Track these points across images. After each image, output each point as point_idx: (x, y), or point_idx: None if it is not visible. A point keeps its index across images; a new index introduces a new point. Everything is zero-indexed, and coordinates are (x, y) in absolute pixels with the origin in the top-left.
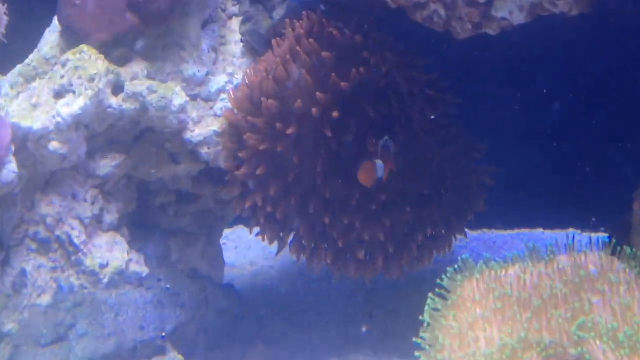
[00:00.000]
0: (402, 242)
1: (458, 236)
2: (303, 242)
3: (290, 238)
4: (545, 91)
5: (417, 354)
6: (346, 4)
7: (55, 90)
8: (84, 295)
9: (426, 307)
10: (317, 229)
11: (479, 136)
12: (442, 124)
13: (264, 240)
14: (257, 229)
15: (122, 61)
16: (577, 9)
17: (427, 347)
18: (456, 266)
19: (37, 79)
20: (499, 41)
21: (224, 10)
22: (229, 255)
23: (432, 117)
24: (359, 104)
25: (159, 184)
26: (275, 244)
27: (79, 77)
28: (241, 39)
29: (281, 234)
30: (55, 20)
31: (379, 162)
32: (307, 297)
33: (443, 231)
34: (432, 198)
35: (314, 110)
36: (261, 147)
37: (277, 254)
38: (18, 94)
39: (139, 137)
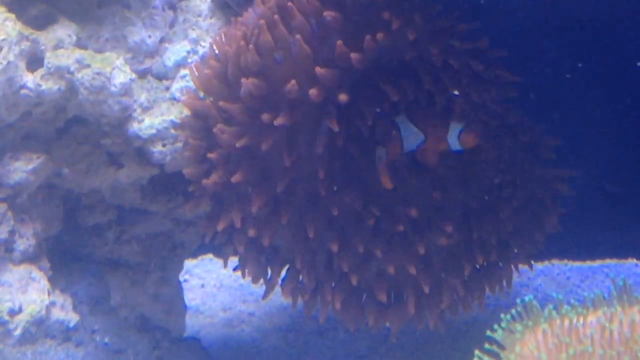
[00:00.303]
0: (442, 277)
1: (520, 267)
2: (301, 278)
3: (283, 274)
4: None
5: None
6: None
7: None
8: None
9: None
10: (320, 260)
11: (548, 129)
12: (496, 111)
13: (244, 276)
14: (235, 261)
15: (42, 22)
16: None
17: None
18: (514, 312)
19: None
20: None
21: None
22: (192, 297)
23: (481, 101)
24: (375, 84)
25: (93, 196)
26: (261, 282)
27: None
28: None
29: (268, 270)
30: None
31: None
32: (302, 357)
33: (499, 261)
34: (484, 214)
35: (312, 92)
36: (239, 144)
37: (264, 298)
38: None
39: (64, 129)
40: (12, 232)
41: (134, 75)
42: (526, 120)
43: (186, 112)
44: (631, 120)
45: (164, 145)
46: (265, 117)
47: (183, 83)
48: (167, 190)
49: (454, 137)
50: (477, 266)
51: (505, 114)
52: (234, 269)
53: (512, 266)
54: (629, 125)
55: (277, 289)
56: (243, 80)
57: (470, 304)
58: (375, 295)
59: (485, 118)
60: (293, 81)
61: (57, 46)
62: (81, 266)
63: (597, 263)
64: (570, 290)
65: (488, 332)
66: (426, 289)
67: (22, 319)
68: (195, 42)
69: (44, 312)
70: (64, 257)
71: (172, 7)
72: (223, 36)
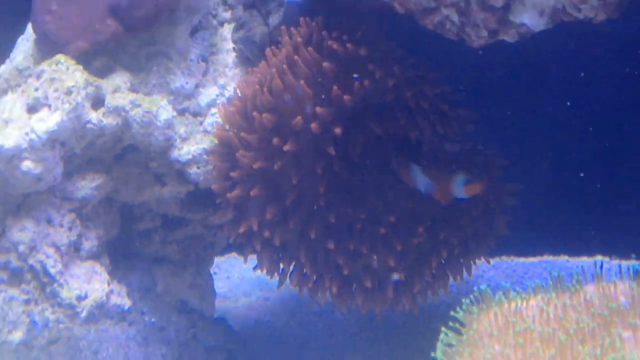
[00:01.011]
0: (415, 268)
1: (478, 261)
2: (305, 271)
3: (292, 268)
4: (569, 104)
5: None
6: (350, 9)
7: (28, 104)
8: (59, 331)
9: (439, 343)
10: (321, 257)
11: (500, 152)
12: (456, 139)
13: (262, 271)
14: (253, 258)
15: (103, 72)
16: (604, 14)
17: None
18: (472, 297)
19: (9, 92)
20: (518, 49)
21: (214, 16)
22: (220, 286)
23: (444, 133)
24: (363, 120)
25: (143, 207)
26: (276, 277)
27: (55, 90)
28: (234, 48)
29: (281, 265)
30: (29, 28)
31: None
32: (307, 332)
33: (460, 257)
34: (448, 220)
35: (313, 125)
36: (255, 166)
37: (278, 288)
38: None
39: (120, 155)
40: (79, 236)
41: (175, 113)
42: (480, 146)
43: (215, 141)
44: (559, 145)
45: (198, 168)
46: (276, 143)
47: (213, 119)
48: (200, 202)
49: (460, 187)
50: (443, 260)
51: (464, 143)
52: (254, 269)
53: (470, 261)
54: (557, 150)
55: (287, 280)
56: (257, 115)
57: (437, 290)
58: (363, 283)
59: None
60: (299, 117)
61: (115, 90)
62: (133, 262)
63: (537, 259)
64: (516, 281)
65: (452, 313)
66: (403, 277)
67: (87, 303)
68: (223, 87)
69: (104, 298)
70: (120, 255)
71: (205, 60)
72: (244, 82)
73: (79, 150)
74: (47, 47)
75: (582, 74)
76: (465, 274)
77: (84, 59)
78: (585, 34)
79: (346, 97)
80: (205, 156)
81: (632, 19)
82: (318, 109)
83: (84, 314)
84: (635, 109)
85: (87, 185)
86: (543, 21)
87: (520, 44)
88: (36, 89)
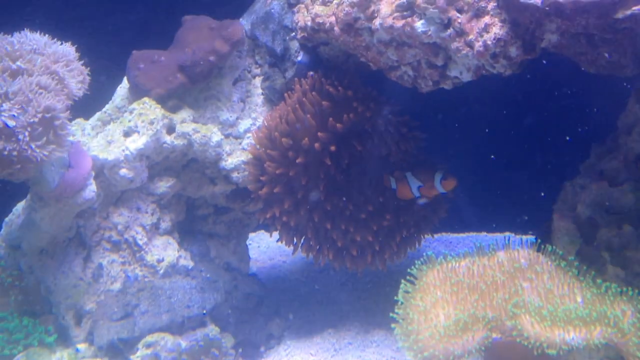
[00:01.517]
0: (385, 242)
1: (425, 236)
2: (311, 243)
3: (302, 241)
4: (487, 128)
5: (392, 325)
6: (340, 65)
7: (124, 130)
8: (145, 283)
9: (400, 290)
10: (321, 233)
11: (441, 159)
12: (412, 152)
13: (281, 242)
14: (276, 234)
15: (174, 109)
16: (510, 70)
17: (401, 321)
18: (422, 260)
19: (111, 122)
20: (453, 92)
21: (249, 72)
22: (253, 253)
23: (404, 148)
24: (349, 141)
25: (201, 200)
26: (291, 247)
27: (142, 121)
28: (262, 93)
29: (294, 239)
30: (125, 79)
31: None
32: (312, 283)
33: (415, 233)
34: (406, 209)
35: (316, 145)
36: (277, 172)
37: (293, 254)
38: (97, 133)
39: (186, 165)
40: (158, 219)
41: (222, 137)
42: (429, 157)
43: (250, 156)
44: (480, 154)
45: (238, 173)
46: (291, 157)
47: (248, 141)
48: (240, 196)
49: (438, 183)
50: (403, 236)
51: (418, 154)
52: (277, 241)
53: (421, 235)
54: (478, 157)
55: (299, 249)
56: (278, 138)
57: (400, 256)
58: (350, 251)
59: (409, 158)
60: (306, 139)
61: (182, 121)
62: (194, 237)
63: (465, 234)
64: (452, 249)
65: (409, 270)
66: (377, 248)
67: (163, 264)
68: (255, 119)
69: (175, 261)
70: (185, 232)
71: (243, 101)
72: (269, 116)
73: (158, 161)
74: (136, 93)
75: (496, 106)
76: (417, 245)
77: (162, 101)
78: (498, 82)
79: (339, 125)
80: (243, 165)
81: (526, 73)
82: (319, 134)
83: (161, 271)
84: (531, 128)
85: (163, 185)
86: (469, 75)
87: (455, 89)
88: (129, 121)
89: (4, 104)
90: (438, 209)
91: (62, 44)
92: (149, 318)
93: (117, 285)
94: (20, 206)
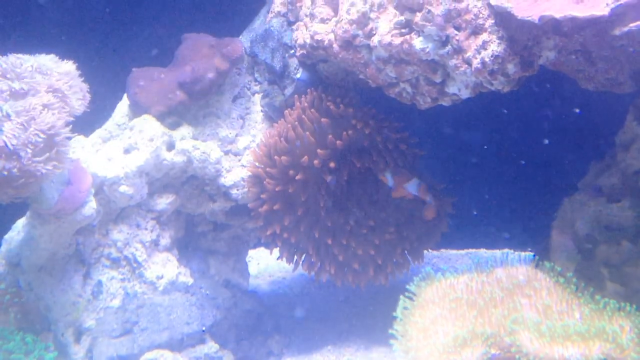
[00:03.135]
0: (387, 256)
1: (428, 251)
2: (312, 259)
3: (302, 258)
4: (486, 145)
5: (391, 342)
6: (339, 83)
7: (124, 147)
8: (144, 300)
9: (398, 307)
10: (322, 249)
11: (439, 176)
12: (411, 169)
13: (282, 259)
14: (276, 251)
15: (174, 126)
16: (508, 87)
17: (400, 337)
18: (421, 276)
19: (111, 139)
20: (451, 109)
21: (249, 89)
22: (252, 269)
23: (403, 165)
24: (348, 158)
25: (201, 216)
26: (292, 264)
27: (142, 138)
28: (261, 110)
29: (295, 256)
30: (125, 97)
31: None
32: (312, 300)
33: (416, 248)
34: (408, 224)
35: (316, 162)
36: (277, 189)
37: (293, 271)
38: (97, 150)
39: (185, 182)
40: (158, 236)
41: (222, 154)
42: (427, 173)
43: (249, 173)
44: (480, 171)
45: (237, 190)
46: (290, 174)
47: (247, 158)
48: (239, 213)
49: (414, 188)
50: (405, 251)
51: (416, 171)
52: (277, 258)
53: (423, 251)
54: (478, 174)
55: (299, 266)
56: (277, 158)
57: (401, 271)
58: (352, 266)
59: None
60: (306, 157)
61: (182, 138)
62: (194, 253)
63: (465, 251)
64: (451, 265)
65: (407, 287)
66: (379, 261)
67: (163, 281)
68: (254, 136)
69: (174, 277)
70: (185, 248)
71: (242, 118)
72: (268, 133)
73: (158, 178)
74: (136, 110)
75: (493, 123)
76: (420, 259)
77: (161, 118)
78: (495, 98)
79: (338, 142)
80: (242, 182)
81: (523, 89)
82: (319, 151)
83: (161, 288)
84: (532, 141)
85: (163, 202)
86: (468, 92)
87: (453, 106)
88: (129, 138)
89: (4, 124)
90: (440, 224)
91: (64, 61)
92: (149, 335)
93: (116, 302)
94: (20, 223)
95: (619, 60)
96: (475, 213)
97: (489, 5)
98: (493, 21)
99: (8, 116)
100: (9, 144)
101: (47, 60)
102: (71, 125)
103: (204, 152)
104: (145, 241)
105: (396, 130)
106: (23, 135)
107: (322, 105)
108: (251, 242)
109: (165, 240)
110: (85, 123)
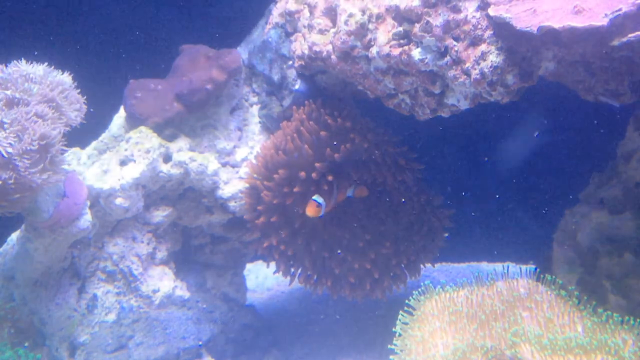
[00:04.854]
0: (384, 270)
1: (426, 265)
2: (309, 272)
3: (299, 271)
4: (487, 157)
5: (391, 357)
6: (338, 94)
7: (120, 159)
8: (140, 314)
9: (398, 321)
10: (319, 262)
11: (438, 189)
12: (409, 183)
13: (279, 273)
14: (273, 264)
15: (171, 138)
16: (508, 97)
17: (399, 352)
18: (420, 290)
19: (107, 151)
20: (450, 120)
21: (246, 100)
22: (250, 283)
23: (401, 179)
24: (346, 171)
25: (198, 229)
26: (288, 277)
27: (139, 150)
28: (259, 121)
29: (292, 269)
30: (121, 108)
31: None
32: (310, 314)
33: (414, 262)
34: (406, 237)
35: (313, 174)
36: (274, 202)
37: (290, 284)
38: (93, 162)
39: (182, 194)
40: (154, 248)
41: (219, 165)
42: (425, 187)
43: (246, 185)
44: (480, 184)
45: (235, 202)
46: (288, 187)
47: (245, 170)
48: (237, 226)
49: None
50: (403, 265)
51: (414, 185)
52: (274, 272)
53: (420, 265)
54: (478, 187)
55: (296, 279)
56: (274, 172)
57: (399, 285)
58: (348, 280)
59: (403, 189)
60: (303, 172)
61: (179, 150)
62: (191, 267)
63: (465, 264)
64: (451, 279)
65: (407, 301)
66: (376, 276)
67: (159, 295)
68: (252, 148)
69: (171, 291)
70: (181, 262)
71: (240, 129)
72: (265, 145)
73: (154, 190)
74: (133, 121)
75: (492, 134)
76: (417, 274)
77: (158, 129)
78: (495, 109)
79: (336, 155)
80: (240, 194)
81: (523, 100)
82: (317, 164)
83: (157, 302)
84: (533, 153)
85: (160, 214)
86: (467, 103)
87: (452, 117)
88: (126, 150)
89: None
90: (436, 239)
91: (58, 72)
92: (144, 350)
93: (111, 316)
94: (14, 236)
95: (619, 71)
96: (476, 225)
97: (488, 16)
98: (492, 32)
99: (2, 125)
100: (4, 152)
101: (41, 70)
102: (66, 136)
103: (201, 164)
104: (141, 254)
105: (395, 145)
106: (18, 144)
107: (321, 117)
108: (249, 255)
109: (161, 254)
110: (82, 135)
